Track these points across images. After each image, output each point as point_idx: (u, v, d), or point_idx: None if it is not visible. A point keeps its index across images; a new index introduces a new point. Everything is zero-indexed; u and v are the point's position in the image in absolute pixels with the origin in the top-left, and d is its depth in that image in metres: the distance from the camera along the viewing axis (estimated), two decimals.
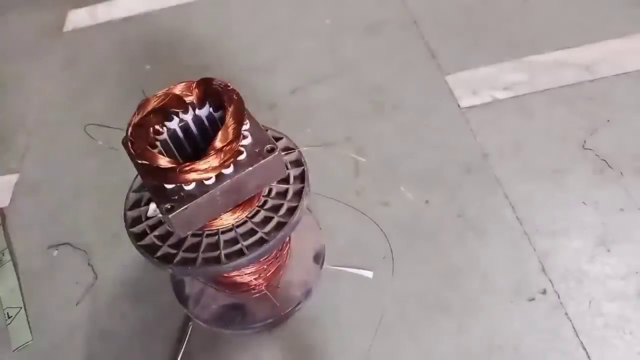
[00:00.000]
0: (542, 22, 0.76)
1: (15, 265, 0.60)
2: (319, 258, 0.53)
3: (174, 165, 0.33)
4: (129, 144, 0.34)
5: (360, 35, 0.80)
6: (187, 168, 0.33)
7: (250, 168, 0.35)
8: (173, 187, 0.34)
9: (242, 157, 0.35)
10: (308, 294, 0.50)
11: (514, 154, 0.61)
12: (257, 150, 0.35)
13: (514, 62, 0.71)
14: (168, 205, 0.33)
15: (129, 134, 0.35)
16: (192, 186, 0.34)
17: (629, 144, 0.60)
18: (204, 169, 0.33)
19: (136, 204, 0.42)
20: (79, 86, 0.82)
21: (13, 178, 0.70)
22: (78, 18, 0.95)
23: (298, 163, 0.43)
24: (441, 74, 0.71)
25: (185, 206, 0.33)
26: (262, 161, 0.35)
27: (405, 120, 0.67)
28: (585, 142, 0.61)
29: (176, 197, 0.34)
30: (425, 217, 0.57)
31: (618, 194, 0.56)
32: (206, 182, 0.34)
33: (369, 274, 0.53)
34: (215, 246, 0.38)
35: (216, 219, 0.39)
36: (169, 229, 0.38)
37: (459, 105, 0.67)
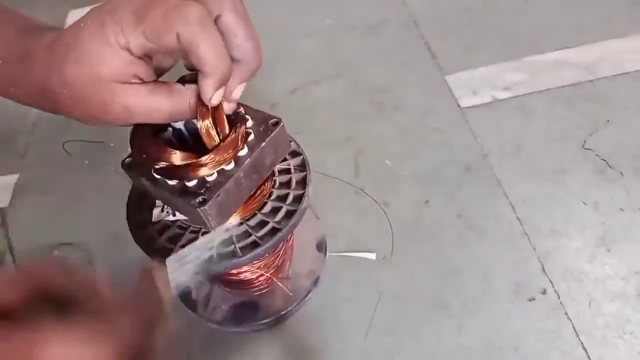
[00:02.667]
0: (542, 22, 0.76)
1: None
2: (321, 247, 0.54)
3: (195, 160, 0.33)
4: (141, 152, 0.34)
5: (360, 35, 0.80)
6: (209, 160, 0.33)
7: (263, 144, 0.35)
8: (195, 183, 0.34)
9: (251, 137, 0.36)
10: (316, 282, 0.51)
11: (514, 154, 0.61)
12: (261, 128, 0.36)
13: (514, 62, 0.71)
14: (200, 199, 0.33)
15: (138, 145, 0.35)
16: (214, 176, 0.34)
17: (629, 144, 0.60)
18: (224, 158, 0.33)
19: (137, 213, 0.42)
20: None
21: (13, 178, 0.70)
22: (78, 18, 0.95)
23: (295, 153, 0.44)
24: (441, 74, 0.71)
25: (217, 194, 0.33)
26: (272, 134, 0.36)
27: (405, 120, 0.67)
28: (585, 142, 0.61)
29: (202, 191, 0.34)
30: (425, 217, 0.57)
31: (618, 194, 0.56)
32: (226, 168, 0.34)
33: (372, 256, 0.54)
34: (228, 241, 0.38)
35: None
36: (203, 225, 0.37)
37: (459, 105, 0.67)
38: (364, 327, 0.50)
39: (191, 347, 0.51)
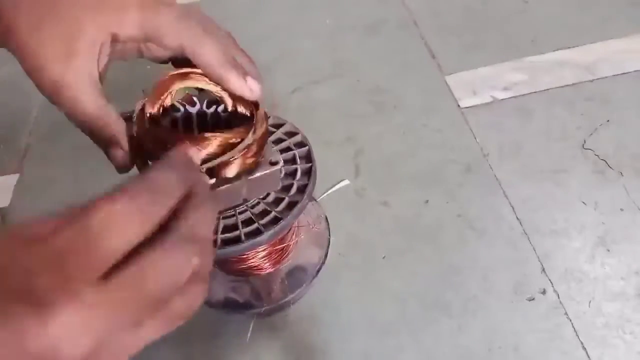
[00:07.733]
0: (542, 22, 0.76)
1: None
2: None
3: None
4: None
5: (360, 35, 0.80)
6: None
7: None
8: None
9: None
10: (327, 220, 0.55)
11: (514, 154, 0.61)
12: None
13: (514, 62, 0.71)
14: (274, 161, 0.38)
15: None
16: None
17: (629, 144, 0.60)
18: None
19: None
20: None
21: (13, 178, 0.70)
22: None
23: (296, 135, 0.46)
24: (441, 74, 0.71)
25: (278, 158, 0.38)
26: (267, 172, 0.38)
27: (405, 120, 0.67)
28: (585, 142, 0.61)
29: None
30: (425, 217, 0.57)
31: (618, 194, 0.56)
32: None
33: (345, 182, 0.59)
34: (250, 221, 0.40)
35: None
36: (274, 187, 0.41)
37: (459, 105, 0.67)
38: (364, 327, 0.50)
39: (191, 346, 0.51)
